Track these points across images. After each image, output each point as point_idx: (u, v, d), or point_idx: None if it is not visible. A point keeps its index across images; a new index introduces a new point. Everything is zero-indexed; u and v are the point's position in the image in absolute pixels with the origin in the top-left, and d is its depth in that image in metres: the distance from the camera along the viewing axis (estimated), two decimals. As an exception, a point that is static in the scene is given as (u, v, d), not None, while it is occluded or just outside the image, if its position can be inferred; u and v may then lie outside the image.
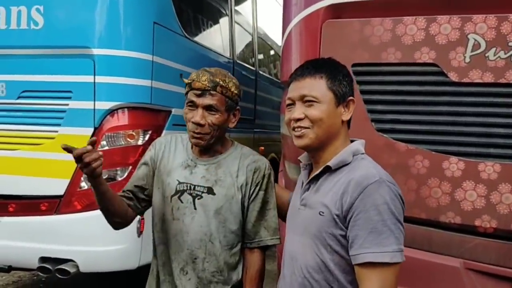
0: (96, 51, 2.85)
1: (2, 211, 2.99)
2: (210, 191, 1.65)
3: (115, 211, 1.64)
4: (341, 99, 1.40)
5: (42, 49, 2.92)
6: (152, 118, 3.11)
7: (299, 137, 1.41)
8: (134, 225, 2.87)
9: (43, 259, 2.89)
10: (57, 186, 2.91)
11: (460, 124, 1.89)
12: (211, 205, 1.65)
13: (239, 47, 4.72)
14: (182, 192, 1.67)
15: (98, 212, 2.80)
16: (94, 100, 2.86)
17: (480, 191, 1.85)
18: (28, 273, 4.39)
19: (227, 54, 4.31)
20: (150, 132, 3.04)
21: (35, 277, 4.71)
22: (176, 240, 1.67)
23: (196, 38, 3.74)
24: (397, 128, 1.97)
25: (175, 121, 3.28)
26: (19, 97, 2.98)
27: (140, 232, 2.92)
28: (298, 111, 1.41)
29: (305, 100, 1.40)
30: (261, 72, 5.29)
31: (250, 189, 1.68)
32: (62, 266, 2.81)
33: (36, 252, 2.89)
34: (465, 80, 1.86)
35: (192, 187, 1.66)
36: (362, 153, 1.43)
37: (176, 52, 3.35)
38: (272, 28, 5.83)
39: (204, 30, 4.07)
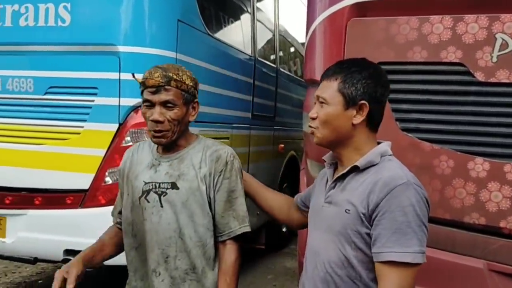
0: (121, 48, 2.89)
1: (28, 204, 3.06)
2: (174, 186, 1.63)
3: (117, 252, 1.80)
4: (351, 102, 1.41)
5: (68, 46, 2.98)
6: (175, 114, 3.14)
7: (313, 134, 1.49)
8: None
9: (68, 252, 2.96)
10: (82, 181, 2.96)
11: (486, 124, 1.87)
12: (176, 200, 1.62)
13: (261, 45, 4.73)
14: (148, 191, 1.65)
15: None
16: (119, 97, 2.90)
17: (506, 192, 1.83)
18: (51, 265, 4.49)
19: (248, 52, 4.33)
20: (172, 128, 3.07)
21: (58, 269, 4.80)
22: (146, 242, 1.65)
23: (218, 35, 3.76)
24: (422, 128, 1.96)
25: (198, 118, 3.26)
26: (46, 93, 3.05)
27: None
28: (313, 110, 1.47)
29: (319, 100, 1.46)
30: (281, 70, 5.29)
31: (214, 179, 1.63)
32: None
33: (61, 244, 2.96)
34: (492, 80, 1.84)
35: (157, 185, 1.64)
36: (390, 155, 1.45)
37: (198, 49, 3.39)
38: (294, 25, 5.82)
39: (226, 27, 4.10)
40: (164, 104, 1.58)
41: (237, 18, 4.35)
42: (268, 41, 5.08)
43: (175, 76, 1.60)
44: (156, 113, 1.57)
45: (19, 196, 3.08)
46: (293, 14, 5.75)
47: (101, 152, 2.94)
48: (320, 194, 1.54)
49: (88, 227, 2.93)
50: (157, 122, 1.57)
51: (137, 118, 2.95)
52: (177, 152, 1.67)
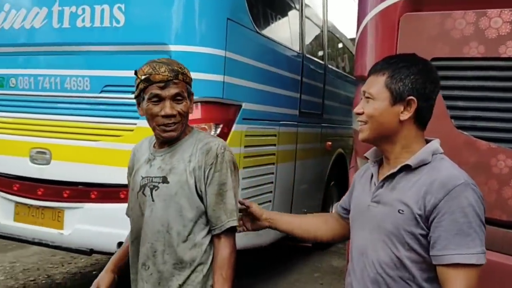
0: (172, 47, 2.96)
1: (85, 197, 3.20)
2: (164, 180, 1.63)
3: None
4: (398, 97, 1.38)
5: (122, 46, 3.08)
6: (223, 112, 3.19)
7: (359, 131, 1.47)
8: (205, 215, 2.98)
9: (121, 244, 3.05)
10: (135, 176, 3.06)
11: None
12: (165, 194, 1.62)
13: (309, 41, 4.70)
14: (144, 186, 1.66)
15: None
16: (170, 95, 2.97)
17: None
18: (105, 256, 4.67)
19: (296, 48, 4.32)
20: (221, 125, 3.12)
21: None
22: (140, 235, 1.67)
23: (267, 33, 3.77)
24: (478, 126, 1.90)
25: (245, 115, 3.34)
26: (101, 91, 3.17)
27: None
28: (359, 105, 1.46)
29: (365, 96, 1.44)
30: (330, 66, 5.23)
31: (204, 172, 1.61)
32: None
33: (115, 237, 3.06)
34: (556, 75, 1.75)
35: (151, 179, 1.66)
36: (441, 153, 1.42)
37: (247, 47, 3.41)
38: (343, 21, 5.74)
39: (274, 24, 4.10)
40: (174, 97, 1.58)
41: (285, 15, 4.35)
42: (316, 38, 5.04)
43: (180, 70, 1.62)
44: (168, 107, 1.57)
45: (76, 190, 3.23)
46: (342, 9, 5.67)
47: (154, 149, 3.02)
48: (364, 193, 1.51)
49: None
50: (170, 116, 1.58)
51: (187, 115, 3.01)
52: (170, 146, 1.67)
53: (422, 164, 1.38)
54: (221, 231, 1.61)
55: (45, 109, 3.35)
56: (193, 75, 2.92)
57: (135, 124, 3.07)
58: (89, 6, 3.13)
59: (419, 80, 1.39)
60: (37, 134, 3.37)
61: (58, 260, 4.92)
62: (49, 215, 3.29)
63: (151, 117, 1.60)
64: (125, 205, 3.03)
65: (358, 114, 1.45)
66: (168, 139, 1.64)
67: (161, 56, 2.92)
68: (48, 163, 3.33)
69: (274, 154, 3.83)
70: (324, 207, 5.25)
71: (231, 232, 1.64)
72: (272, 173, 3.81)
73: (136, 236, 1.69)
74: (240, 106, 3.30)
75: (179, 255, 1.61)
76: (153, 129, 1.63)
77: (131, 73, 3.01)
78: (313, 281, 4.47)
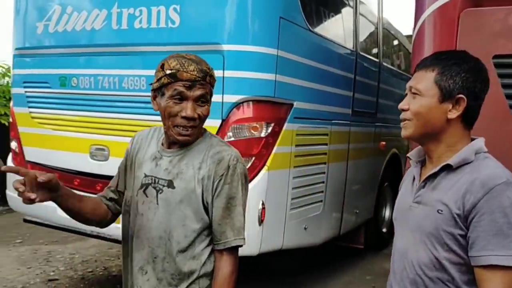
0: (225, 47, 3.00)
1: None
2: (170, 184, 1.53)
3: (89, 220, 1.60)
4: (447, 95, 1.34)
5: (178, 46, 3.13)
6: (275, 111, 3.19)
7: (403, 127, 1.43)
8: (255, 213, 3.00)
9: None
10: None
11: None
12: (170, 200, 1.52)
13: (363, 38, 4.60)
14: (147, 185, 1.56)
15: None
16: (222, 94, 3.01)
17: None
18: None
19: (350, 46, 4.24)
20: (272, 124, 3.13)
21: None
22: (138, 236, 1.56)
23: (319, 31, 3.73)
24: (544, 127, 1.78)
25: (297, 114, 3.33)
26: (156, 90, 3.25)
27: (261, 221, 3.03)
28: (405, 101, 1.42)
29: (412, 91, 1.40)
30: (384, 64, 5.10)
31: (213, 183, 1.50)
32: (190, 248, 3.03)
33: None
34: None
35: (156, 180, 1.55)
36: (485, 151, 1.37)
37: (299, 45, 3.39)
38: (398, 17, 5.58)
39: (327, 22, 4.05)
40: (198, 99, 1.48)
41: (338, 12, 4.28)
42: (371, 35, 4.93)
43: (208, 71, 1.50)
44: (189, 109, 1.46)
45: (133, 185, 3.33)
46: (398, 5, 5.51)
47: (205, 147, 3.07)
48: (407, 194, 1.49)
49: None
50: (190, 119, 1.47)
51: (239, 114, 3.04)
52: (180, 148, 1.56)
53: (464, 164, 1.34)
54: (224, 248, 1.51)
55: (104, 107, 3.49)
56: (245, 74, 3.02)
57: (189, 122, 3.13)
58: (146, 8, 3.22)
59: (470, 79, 1.35)
60: (96, 132, 3.52)
61: (115, 253, 5.11)
62: (107, 209, 3.43)
63: (168, 116, 1.49)
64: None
65: (403, 110, 1.41)
66: (182, 142, 1.53)
67: (214, 56, 3.01)
68: (106, 159, 3.47)
69: (325, 154, 3.79)
70: (377, 208, 5.15)
71: (235, 249, 1.54)
72: (324, 173, 3.77)
73: (133, 234, 1.59)
74: (292, 105, 3.29)
75: (178, 265, 1.52)
76: (167, 129, 1.51)
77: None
78: (365, 284, 4.39)
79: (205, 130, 1.61)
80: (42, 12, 3.70)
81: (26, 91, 3.91)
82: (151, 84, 1.54)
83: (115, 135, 3.42)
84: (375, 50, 4.96)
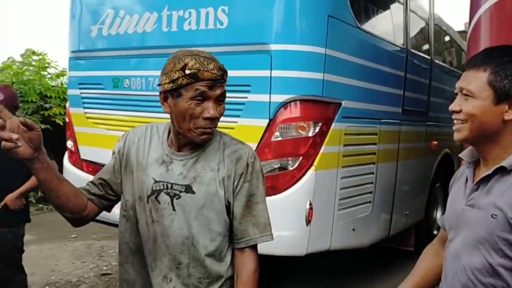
0: (273, 47, 3.00)
1: (189, 192, 3.37)
2: (188, 189, 1.46)
3: (63, 206, 1.48)
4: (503, 96, 1.28)
5: (225, 47, 3.17)
6: (322, 110, 3.16)
7: (456, 130, 1.37)
8: (302, 213, 2.99)
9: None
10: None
11: None
12: (191, 206, 1.46)
13: (413, 35, 4.48)
14: (159, 192, 1.48)
15: (269, 199, 3.01)
16: (270, 93, 3.01)
17: None
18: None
19: (400, 43, 4.14)
20: (320, 124, 3.10)
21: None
22: (156, 245, 1.49)
23: (368, 28, 3.66)
24: None
25: (345, 113, 3.28)
26: (205, 91, 3.30)
27: (308, 221, 3.01)
28: (455, 103, 1.36)
29: (463, 93, 1.34)
30: (436, 61, 4.94)
31: (233, 183, 1.48)
32: (238, 246, 3.06)
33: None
34: None
35: (169, 186, 1.47)
36: None
37: (348, 43, 3.35)
38: (450, 13, 5.38)
39: (376, 19, 3.97)
40: (217, 98, 1.42)
41: (388, 8, 4.19)
42: (422, 31, 4.78)
43: (224, 69, 1.45)
44: (212, 108, 1.40)
45: (182, 184, 3.40)
46: (450, 0, 5.32)
47: (252, 146, 3.06)
48: (459, 196, 1.43)
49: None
50: (214, 119, 1.42)
51: (286, 113, 3.03)
52: (192, 150, 1.50)
53: None
54: (247, 245, 1.49)
55: (154, 107, 3.55)
56: (293, 73, 3.01)
57: (236, 122, 3.16)
58: (195, 10, 3.27)
59: None
60: (147, 131, 3.61)
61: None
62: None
63: (190, 118, 1.41)
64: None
65: (455, 112, 1.35)
66: (202, 143, 1.47)
67: (261, 56, 3.03)
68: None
69: (374, 154, 3.71)
70: (428, 210, 5.00)
71: (256, 247, 1.52)
72: (372, 173, 3.70)
73: (147, 243, 1.51)
74: (340, 104, 3.25)
75: (206, 269, 1.49)
76: (186, 131, 1.43)
77: (232, 73, 3.12)
78: None
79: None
80: (96, 16, 3.85)
81: (81, 93, 4.08)
82: (159, 85, 1.47)
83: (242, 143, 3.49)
84: (426, 47, 4.82)
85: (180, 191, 1.46)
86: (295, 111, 3.04)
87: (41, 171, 1.36)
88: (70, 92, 4.28)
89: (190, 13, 3.30)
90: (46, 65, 7.30)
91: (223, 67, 1.43)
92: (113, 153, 1.59)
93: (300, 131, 3.04)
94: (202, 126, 1.41)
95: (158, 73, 3.41)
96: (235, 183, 1.48)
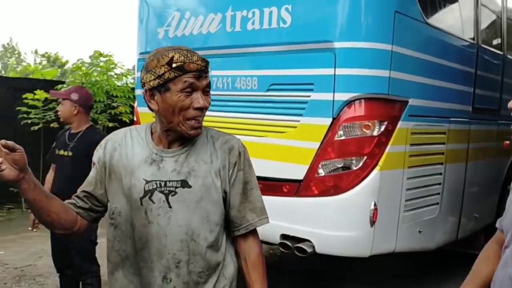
0: (337, 45, 2.96)
1: (251, 190, 3.39)
2: (185, 184, 1.46)
3: (54, 223, 1.47)
4: None
5: (288, 46, 3.18)
6: (388, 108, 3.08)
7: None
8: (367, 214, 2.93)
9: (284, 236, 3.18)
10: (297, 171, 3.14)
11: None
12: (189, 200, 1.46)
13: (484, 29, 4.26)
14: (152, 191, 1.46)
15: (333, 198, 3.01)
16: (334, 92, 2.98)
17: None
18: (265, 245, 4.91)
19: (470, 38, 3.95)
20: (385, 123, 3.03)
21: (271, 250, 5.23)
22: (153, 246, 1.46)
23: (436, 23, 3.52)
24: None
25: (412, 111, 3.18)
26: (268, 90, 3.31)
27: (372, 222, 2.95)
28: None
29: None
30: (509, 57, 4.67)
31: (228, 172, 1.52)
32: (301, 245, 3.05)
33: (278, 229, 3.19)
34: None
35: (163, 183, 1.46)
36: None
37: (415, 39, 3.24)
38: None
39: (444, 13, 3.81)
40: (204, 89, 1.44)
41: (456, 1, 4.01)
42: (493, 25, 4.54)
43: (207, 60, 1.46)
44: (201, 99, 1.42)
45: (244, 182, 3.44)
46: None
47: (315, 145, 3.07)
48: None
49: (302, 215, 3.12)
50: (203, 109, 1.43)
51: (350, 112, 2.99)
52: (182, 145, 1.51)
53: None
54: (247, 230, 1.55)
55: (218, 107, 3.62)
56: (357, 71, 2.96)
57: (298, 121, 3.15)
58: (259, 9, 3.29)
59: None
60: (212, 130, 3.68)
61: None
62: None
63: (179, 110, 1.41)
64: (288, 198, 3.22)
65: None
66: (193, 136, 1.48)
67: (325, 54, 3.00)
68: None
69: (442, 154, 3.58)
70: (498, 213, 4.73)
71: (256, 230, 1.59)
72: (440, 174, 3.56)
73: (143, 247, 1.48)
74: (406, 102, 3.15)
75: (207, 262, 1.50)
76: (177, 124, 1.44)
77: (295, 72, 3.18)
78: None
79: None
80: (163, 19, 3.97)
81: (148, 93, 4.22)
82: (144, 83, 1.45)
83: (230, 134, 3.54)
84: (498, 42, 4.56)
85: (176, 187, 1.47)
86: (359, 109, 2.99)
87: (29, 191, 1.35)
88: (138, 92, 4.44)
89: (254, 13, 3.32)
90: (112, 66, 7.61)
91: (205, 58, 1.45)
92: (93, 163, 1.57)
93: (364, 130, 2.98)
94: (192, 116, 1.42)
95: (222, 72, 3.57)
96: (230, 172, 1.52)
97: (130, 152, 1.52)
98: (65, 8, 75.22)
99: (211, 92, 3.68)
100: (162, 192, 1.46)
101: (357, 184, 2.96)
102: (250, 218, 1.55)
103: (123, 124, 7.18)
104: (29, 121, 7.13)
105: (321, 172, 3.07)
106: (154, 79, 1.41)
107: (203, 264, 1.50)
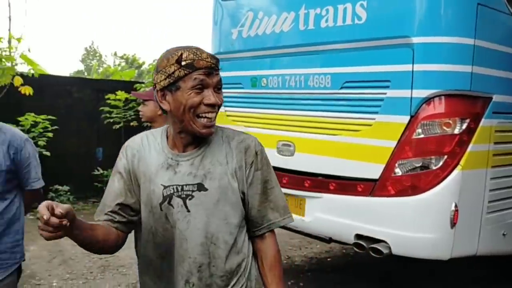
0: (415, 40, 2.86)
1: (324, 188, 3.38)
2: (201, 187, 1.44)
3: (104, 248, 1.46)
4: None
5: (363, 42, 3.12)
6: (470, 105, 2.94)
7: None
8: (447, 215, 2.83)
9: (358, 236, 3.13)
10: (373, 170, 3.08)
11: None
12: (206, 203, 1.44)
13: None
14: (170, 196, 1.45)
15: (410, 199, 2.93)
16: (411, 89, 2.88)
17: None
18: (338, 245, 4.87)
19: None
20: (467, 120, 2.89)
21: (344, 250, 5.18)
22: (175, 251, 1.47)
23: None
24: None
25: (496, 108, 3.02)
26: (341, 88, 3.28)
27: (453, 224, 2.83)
28: None
29: None
30: None
31: (245, 172, 1.48)
32: (376, 246, 2.99)
33: (352, 229, 3.16)
34: None
35: (180, 188, 1.45)
36: None
37: (500, 32, 3.08)
38: None
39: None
40: (215, 86, 1.42)
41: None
42: None
43: (217, 57, 1.44)
44: (212, 96, 1.39)
45: (317, 180, 3.44)
46: None
47: (391, 144, 2.99)
48: None
49: (378, 215, 3.06)
50: (214, 105, 1.41)
51: (429, 110, 2.88)
52: (197, 147, 1.48)
53: None
54: (269, 230, 1.55)
55: (291, 105, 3.65)
56: (437, 67, 2.86)
57: (374, 119, 3.09)
58: (333, 7, 3.26)
59: None
60: (283, 128, 3.71)
61: (296, 243, 5.34)
62: (292, 202, 3.60)
63: (189, 108, 1.40)
64: (362, 198, 3.17)
65: None
66: (205, 136, 1.45)
67: (402, 50, 2.91)
68: (292, 154, 3.64)
69: (530, 153, 3.35)
70: None
71: (273, 230, 1.57)
72: (528, 174, 3.34)
73: (166, 252, 1.49)
74: (490, 98, 2.99)
75: (228, 264, 1.48)
76: (188, 123, 1.41)
77: (370, 69, 3.12)
78: None
79: None
80: (236, 20, 4.05)
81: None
82: (155, 84, 1.44)
83: (301, 132, 3.56)
84: None
85: (193, 191, 1.45)
86: (439, 106, 2.88)
87: (78, 235, 1.31)
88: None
89: (327, 10, 3.30)
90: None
91: (215, 55, 1.43)
92: (119, 173, 1.54)
93: (445, 128, 2.87)
94: (203, 112, 1.40)
95: (294, 71, 3.58)
96: (247, 172, 1.49)
97: (148, 157, 1.52)
98: (140, 11, 78.88)
99: (283, 91, 3.76)
100: (179, 196, 1.45)
101: (436, 184, 2.85)
102: (272, 218, 1.54)
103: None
104: (111, 120, 7.58)
105: (398, 171, 2.99)
106: (165, 79, 1.41)
107: (225, 266, 1.48)
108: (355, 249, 3.21)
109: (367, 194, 3.13)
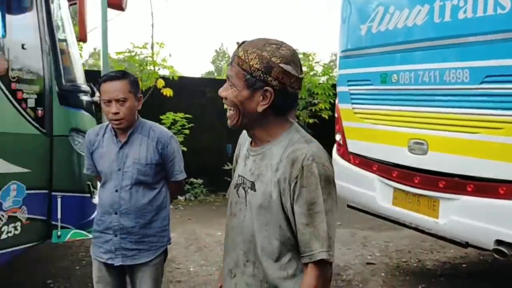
0: None
1: (461, 190, 3.19)
2: (252, 186, 1.44)
3: None
4: None
5: (507, 33, 2.87)
6: None
7: None
8: None
9: (499, 242, 2.91)
10: (516, 172, 2.84)
11: None
12: (252, 203, 1.43)
13: None
14: (239, 186, 1.50)
15: None
16: None
17: None
18: (474, 250, 4.54)
19: None
20: None
21: (481, 256, 4.82)
22: (230, 237, 1.52)
23: None
24: None
25: None
26: (482, 82, 3.05)
27: None
28: None
29: None
30: None
31: (290, 186, 1.35)
32: (520, 253, 2.76)
33: (493, 234, 2.94)
34: None
35: (244, 181, 1.48)
36: None
37: None
38: None
39: None
40: (228, 79, 1.43)
41: None
42: None
43: (241, 53, 1.38)
44: (223, 87, 1.45)
45: (452, 181, 3.25)
46: None
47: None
48: None
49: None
50: (223, 97, 1.45)
51: None
52: (261, 146, 1.47)
53: None
54: (310, 261, 1.35)
55: (424, 101, 3.50)
56: None
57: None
58: (472, -3, 3.06)
59: None
60: (415, 126, 3.57)
61: (428, 246, 5.10)
62: (424, 203, 3.46)
63: None
64: (504, 201, 2.93)
65: None
66: (230, 127, 1.50)
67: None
68: (425, 153, 3.48)
69: None
70: None
71: (322, 263, 1.34)
72: None
73: (227, 234, 1.58)
74: None
75: (265, 271, 1.42)
76: None
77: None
78: None
79: (291, 123, 1.47)
80: (365, 15, 4.00)
81: (349, 89, 4.31)
82: (267, 84, 1.38)
83: (435, 130, 3.40)
84: None
85: (249, 187, 1.47)
86: None
87: None
88: (339, 89, 4.56)
89: (466, 1, 3.10)
90: (314, 65, 7.95)
91: (240, 50, 1.39)
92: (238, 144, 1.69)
93: None
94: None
95: (428, 66, 3.44)
96: (292, 187, 1.36)
97: (242, 146, 1.62)
98: (266, 10, 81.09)
99: (416, 87, 3.63)
100: (243, 188, 1.49)
101: None
102: (313, 247, 1.34)
103: (322, 120, 7.46)
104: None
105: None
106: (282, 78, 1.39)
107: (263, 273, 1.43)
108: (495, 255, 2.99)
109: (510, 197, 2.89)
